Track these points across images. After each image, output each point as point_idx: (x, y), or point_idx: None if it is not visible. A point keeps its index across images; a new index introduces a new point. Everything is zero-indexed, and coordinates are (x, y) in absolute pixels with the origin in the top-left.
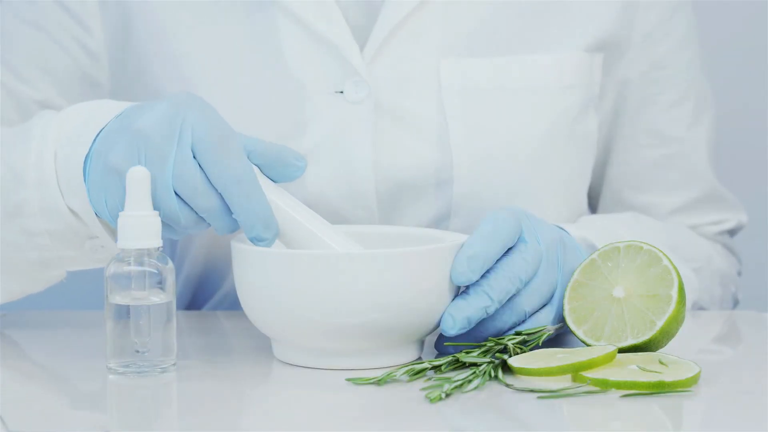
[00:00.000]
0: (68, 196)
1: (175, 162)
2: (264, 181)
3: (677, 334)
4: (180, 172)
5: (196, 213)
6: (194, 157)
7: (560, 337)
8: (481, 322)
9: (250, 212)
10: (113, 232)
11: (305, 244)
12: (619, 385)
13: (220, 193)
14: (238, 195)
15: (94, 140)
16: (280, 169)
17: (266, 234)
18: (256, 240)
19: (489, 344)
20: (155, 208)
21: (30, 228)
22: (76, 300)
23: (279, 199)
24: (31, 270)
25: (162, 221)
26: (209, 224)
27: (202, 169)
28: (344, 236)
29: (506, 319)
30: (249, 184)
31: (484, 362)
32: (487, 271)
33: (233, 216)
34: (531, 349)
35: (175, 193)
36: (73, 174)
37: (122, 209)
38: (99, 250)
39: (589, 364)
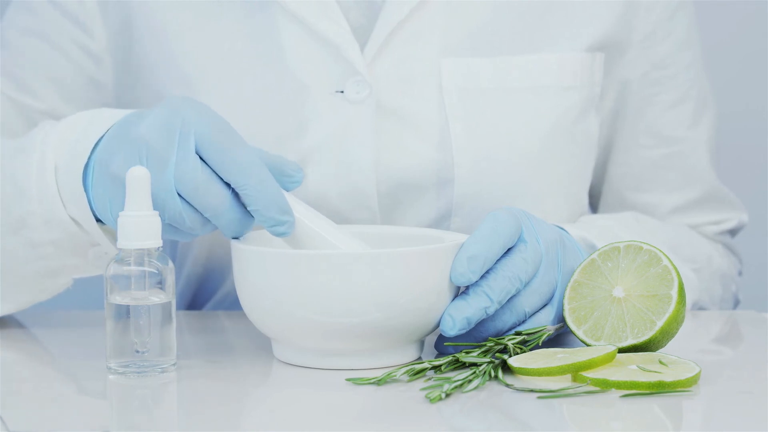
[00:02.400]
0: (70, 206)
1: (177, 163)
2: None
3: (677, 334)
4: (181, 173)
5: (201, 213)
6: (199, 155)
7: (560, 337)
8: (481, 323)
9: (265, 198)
10: (115, 239)
11: (311, 245)
12: (619, 385)
13: (226, 188)
14: (251, 183)
15: (93, 149)
16: (278, 178)
17: (285, 217)
18: (275, 226)
19: (489, 344)
20: (160, 211)
21: (35, 239)
22: (76, 300)
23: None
24: (38, 280)
25: (168, 224)
26: (215, 226)
27: (209, 165)
28: (350, 236)
29: (506, 320)
30: (261, 170)
31: (484, 362)
32: (487, 272)
33: (248, 208)
34: (531, 349)
35: (179, 194)
36: (73, 184)
37: None
38: (103, 257)
39: (589, 364)
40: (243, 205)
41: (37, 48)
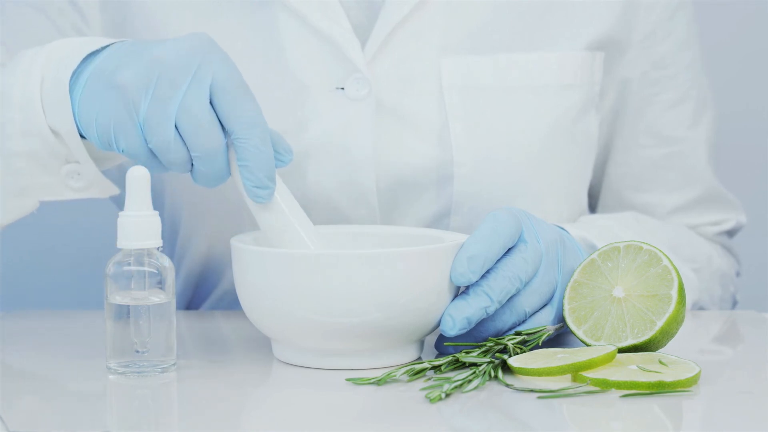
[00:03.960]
0: (51, 116)
1: (186, 95)
2: None
3: (677, 334)
4: (188, 106)
5: (187, 151)
6: (211, 96)
7: (560, 337)
8: (481, 323)
9: (258, 158)
10: (96, 157)
11: (278, 225)
12: (619, 385)
13: (223, 136)
14: (252, 138)
15: (88, 62)
16: None
17: (269, 183)
18: (257, 188)
19: (489, 344)
20: (148, 135)
21: (9, 149)
22: (76, 300)
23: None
24: (5, 198)
25: (150, 152)
26: (188, 170)
27: (216, 110)
28: (318, 234)
29: (506, 320)
30: (264, 131)
31: (484, 362)
32: (487, 272)
33: (238, 162)
34: (531, 349)
35: (175, 127)
36: (59, 91)
37: (113, 129)
38: (75, 177)
39: (589, 364)
40: (227, 159)
41: (35, 21)
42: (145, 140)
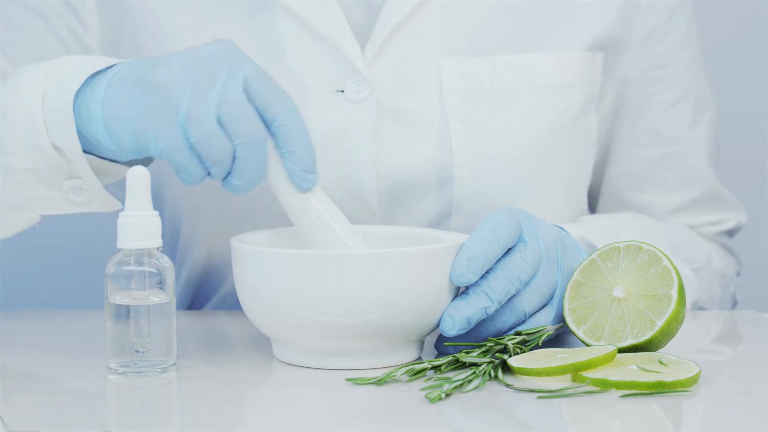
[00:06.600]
0: (54, 133)
1: (224, 87)
2: None
3: (677, 334)
4: (227, 96)
5: (229, 143)
6: (246, 91)
7: (560, 337)
8: (481, 323)
9: (304, 141)
10: (98, 170)
11: (322, 238)
12: (619, 385)
13: (264, 124)
14: (295, 122)
15: (94, 77)
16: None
17: (315, 167)
18: (304, 173)
19: (489, 344)
20: (191, 129)
21: (10, 164)
22: (76, 300)
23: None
24: (6, 212)
25: (189, 149)
26: (228, 168)
27: (253, 102)
28: (360, 237)
29: (506, 320)
30: (300, 117)
31: (484, 362)
32: (487, 272)
33: (282, 150)
34: (531, 349)
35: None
36: (62, 110)
37: (152, 129)
38: (77, 192)
39: (589, 364)
40: (266, 151)
41: (32, 24)
42: (185, 137)
